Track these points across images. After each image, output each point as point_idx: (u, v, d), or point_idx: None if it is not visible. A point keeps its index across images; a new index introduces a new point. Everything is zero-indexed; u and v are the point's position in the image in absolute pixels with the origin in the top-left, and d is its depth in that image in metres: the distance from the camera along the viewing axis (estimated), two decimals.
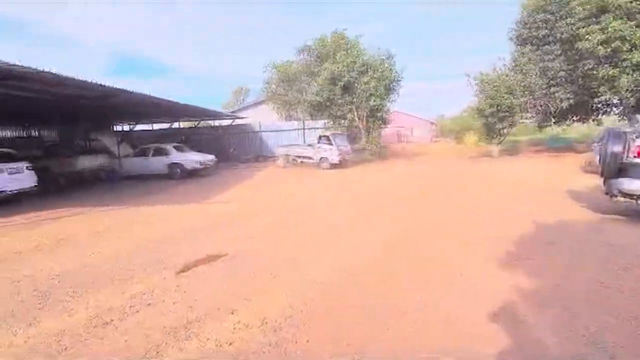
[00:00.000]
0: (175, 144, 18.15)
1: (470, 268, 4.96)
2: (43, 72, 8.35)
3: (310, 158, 19.91)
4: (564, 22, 18.84)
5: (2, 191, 10.43)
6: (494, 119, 20.85)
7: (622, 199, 7.13)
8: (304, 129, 24.48)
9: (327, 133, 20.16)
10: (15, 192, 10.82)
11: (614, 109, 21.64)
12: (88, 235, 7.54)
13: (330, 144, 19.11)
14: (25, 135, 21.91)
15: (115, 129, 24.47)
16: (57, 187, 14.04)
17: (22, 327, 3.72)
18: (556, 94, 20.02)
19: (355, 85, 21.55)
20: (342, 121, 22.21)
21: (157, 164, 17.09)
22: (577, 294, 4.12)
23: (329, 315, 3.80)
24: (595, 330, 3.36)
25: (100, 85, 10.29)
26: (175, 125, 26.32)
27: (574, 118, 23.40)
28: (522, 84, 20.07)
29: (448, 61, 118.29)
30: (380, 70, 21.74)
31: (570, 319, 3.57)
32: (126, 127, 24.59)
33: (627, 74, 17.30)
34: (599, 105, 21.28)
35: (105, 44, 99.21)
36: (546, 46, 19.97)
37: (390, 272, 4.95)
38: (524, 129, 30.33)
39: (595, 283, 4.36)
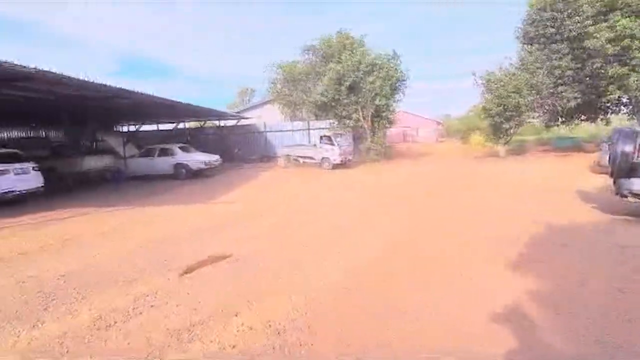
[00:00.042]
0: (180, 145, 18.20)
1: (479, 271, 4.89)
2: (48, 72, 8.37)
3: (312, 158, 19.90)
4: (571, 20, 18.65)
5: (9, 191, 10.48)
6: (500, 118, 20.67)
7: (632, 199, 7.02)
8: (308, 129, 24.42)
9: (329, 133, 20.16)
10: (21, 192, 10.87)
11: (623, 108, 21.41)
12: (93, 236, 7.54)
13: (332, 144, 19.08)
14: (32, 135, 22.07)
15: (121, 130, 24.56)
16: (63, 187, 14.11)
17: (26, 329, 3.70)
18: (564, 93, 19.83)
19: (361, 85, 21.46)
20: (348, 121, 22.12)
21: (163, 164, 17.13)
22: (589, 297, 4.04)
23: (333, 318, 3.74)
24: (609, 335, 3.27)
25: (103, 85, 10.29)
26: (181, 125, 26.35)
27: (582, 117, 23.17)
28: (529, 83, 19.87)
29: (448, 61, 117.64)
30: (385, 69, 21.64)
31: (583, 323, 3.49)
32: (132, 128, 24.70)
33: (637, 72, 17.11)
34: (608, 105, 21.06)
35: (107, 44, 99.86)
36: (553, 45, 19.77)
37: (395, 274, 4.89)
38: (531, 128, 30.08)
39: (608, 286, 4.27)
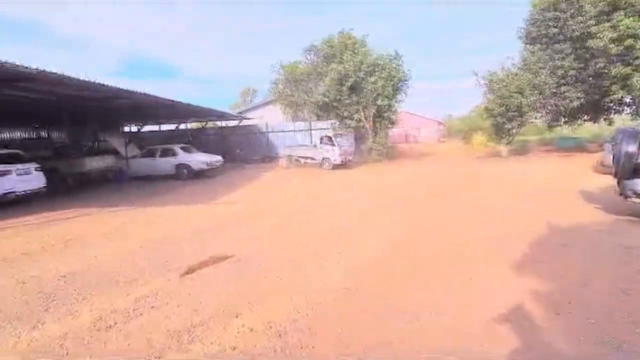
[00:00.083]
0: (182, 145, 18.20)
1: (481, 271, 4.86)
2: (49, 72, 8.38)
3: (312, 159, 19.94)
4: (574, 20, 18.57)
5: (11, 192, 10.50)
6: (502, 118, 20.59)
7: (636, 200, 6.96)
8: (310, 129, 24.40)
9: (329, 134, 20.17)
10: (24, 193, 10.89)
11: (626, 108, 21.30)
12: (95, 236, 7.54)
13: (332, 144, 19.10)
14: (34, 136, 22.14)
15: (123, 130, 24.61)
16: (65, 187, 14.13)
17: (26, 330, 3.69)
18: (566, 93, 19.76)
19: (363, 85, 21.44)
20: (349, 122, 22.10)
21: (164, 164, 17.14)
22: (592, 298, 4.00)
23: (334, 319, 3.72)
24: (611, 335, 3.24)
25: (102, 85, 10.27)
26: (183, 126, 26.39)
27: (585, 117, 23.07)
28: (531, 83, 19.80)
29: (448, 61, 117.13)
30: (388, 70, 21.61)
31: (584, 324, 3.45)
32: (134, 128, 24.72)
33: None
34: (611, 105, 20.96)
35: (108, 45, 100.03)
36: (556, 45, 19.70)
37: (395, 274, 4.87)
38: (533, 128, 29.98)
39: (611, 287, 4.23)
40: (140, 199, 12.23)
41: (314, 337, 3.41)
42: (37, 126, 22.25)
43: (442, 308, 3.88)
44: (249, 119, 27.42)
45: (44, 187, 11.65)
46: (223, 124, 27.13)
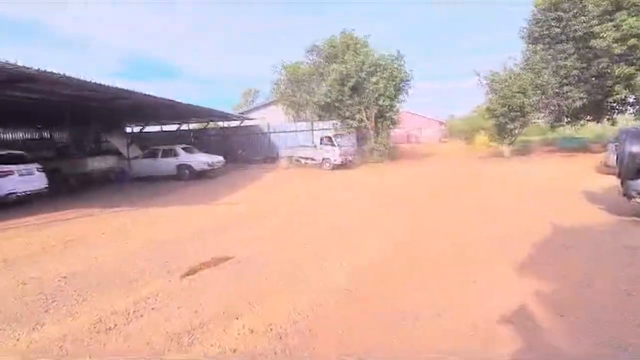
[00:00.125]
0: (183, 146, 18.21)
1: (483, 272, 4.82)
2: (50, 73, 8.40)
3: (312, 159, 19.97)
4: (577, 20, 18.50)
5: (13, 193, 10.52)
6: (505, 119, 20.53)
7: None
8: (312, 130, 24.37)
9: (329, 134, 20.19)
10: (25, 193, 10.90)
11: (630, 108, 21.21)
12: (96, 237, 7.54)
13: (333, 145, 19.11)
14: (37, 137, 22.20)
15: (125, 131, 24.66)
16: (67, 188, 14.15)
17: (26, 331, 3.67)
18: (569, 93, 19.69)
19: (364, 85, 21.40)
20: (351, 122, 22.07)
21: (166, 165, 17.15)
22: (596, 299, 3.95)
23: (335, 320, 3.69)
24: (614, 337, 3.20)
25: (101, 85, 10.28)
26: (184, 126, 26.42)
27: (588, 118, 22.98)
28: (534, 83, 19.73)
29: (448, 61, 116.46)
30: (390, 70, 21.57)
31: (587, 326, 3.41)
32: (136, 129, 24.77)
33: None
34: (614, 104, 20.87)
35: (109, 45, 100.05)
36: (559, 45, 19.62)
37: (396, 275, 4.83)
38: (536, 128, 29.86)
39: (615, 288, 4.18)
40: (142, 199, 12.24)
41: (315, 339, 3.38)
42: (40, 127, 22.31)
43: (443, 309, 3.85)
44: (250, 119, 27.42)
45: (46, 187, 11.68)
46: (225, 124, 27.14)
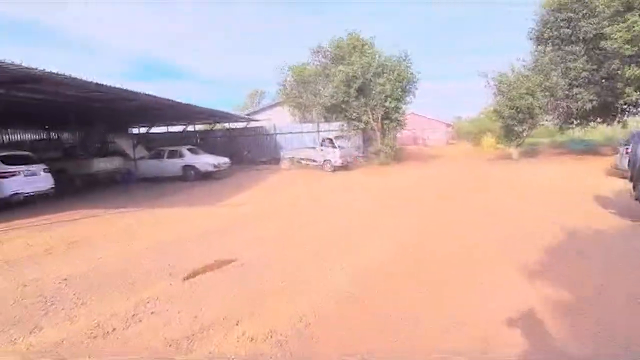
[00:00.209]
0: (189, 147, 18.22)
1: (490, 275, 4.71)
2: (55, 74, 8.41)
3: (314, 160, 19.98)
4: (587, 21, 18.25)
5: (19, 193, 10.54)
6: (513, 120, 20.30)
7: None
8: (318, 131, 24.28)
9: (330, 136, 20.23)
10: (31, 194, 10.93)
11: None
12: (100, 238, 7.51)
13: (334, 146, 19.09)
14: (44, 138, 22.34)
15: (131, 132, 24.75)
16: (73, 188, 14.20)
17: (24, 335, 3.61)
18: (578, 95, 19.40)
19: (370, 87, 21.28)
20: (357, 123, 21.96)
21: (172, 166, 17.16)
22: (606, 304, 3.83)
23: (338, 327, 3.59)
24: (627, 345, 3.07)
25: (100, 84, 10.23)
26: (190, 128, 26.46)
27: (598, 120, 22.65)
28: (542, 85, 19.48)
29: (448, 61, 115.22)
30: (396, 71, 21.43)
31: (598, 331, 3.29)
32: (142, 130, 24.84)
33: None
34: (624, 107, 20.53)
35: (114, 46, 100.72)
36: (568, 46, 19.36)
37: (401, 279, 4.72)
38: (544, 131, 29.54)
39: (626, 293, 4.04)
40: (147, 200, 12.22)
41: (316, 345, 3.28)
42: (46, 128, 22.45)
43: (449, 313, 3.77)
44: (256, 120, 27.42)
45: (52, 188, 11.70)
46: (231, 125, 27.15)
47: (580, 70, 18.91)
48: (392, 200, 10.60)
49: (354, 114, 21.85)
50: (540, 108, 19.87)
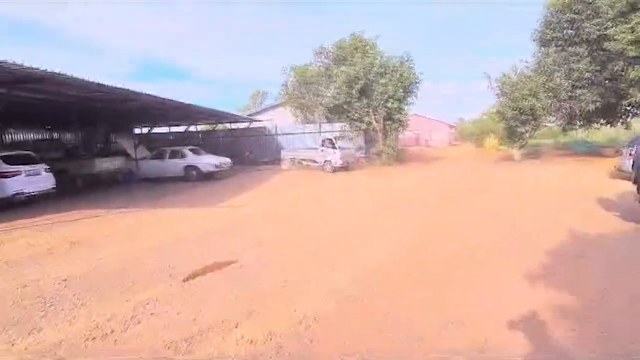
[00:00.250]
0: (191, 147, 18.23)
1: (494, 279, 4.67)
2: (57, 74, 8.42)
3: (314, 161, 20.00)
4: (590, 22, 18.16)
5: (20, 193, 10.56)
6: (515, 122, 20.23)
7: None
8: (320, 132, 24.27)
9: (331, 136, 20.21)
10: (32, 194, 10.94)
11: None
12: (101, 238, 7.50)
13: (334, 147, 19.07)
14: (47, 138, 22.41)
15: (133, 132, 24.80)
16: (75, 188, 14.23)
17: (22, 336, 3.59)
18: (582, 96, 19.31)
19: (373, 87, 21.24)
20: (359, 124, 21.92)
21: (174, 166, 17.16)
22: (609, 308, 3.78)
23: (339, 330, 3.55)
24: (630, 349, 3.04)
25: (101, 84, 10.25)
26: (192, 128, 26.48)
27: (601, 121, 22.55)
28: (546, 86, 19.40)
29: (448, 61, 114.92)
30: (399, 72, 21.38)
31: (601, 336, 3.25)
32: (144, 130, 24.88)
33: None
34: (628, 108, 20.44)
35: (116, 46, 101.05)
36: (571, 47, 19.27)
37: (404, 282, 4.68)
38: (548, 132, 29.44)
39: (629, 297, 4.00)
40: (149, 200, 12.22)
41: (316, 350, 3.25)
42: (49, 128, 22.52)
43: (450, 313, 3.76)
44: (258, 121, 27.42)
45: (54, 188, 11.71)
46: (233, 126, 27.17)
47: (584, 72, 18.82)
48: (394, 201, 10.57)
49: (356, 115, 21.81)
50: (543, 109, 19.80)
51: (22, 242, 7.32)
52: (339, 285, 4.63)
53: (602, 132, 27.06)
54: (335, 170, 18.85)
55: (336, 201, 11.31)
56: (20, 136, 21.24)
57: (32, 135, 21.90)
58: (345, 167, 19.30)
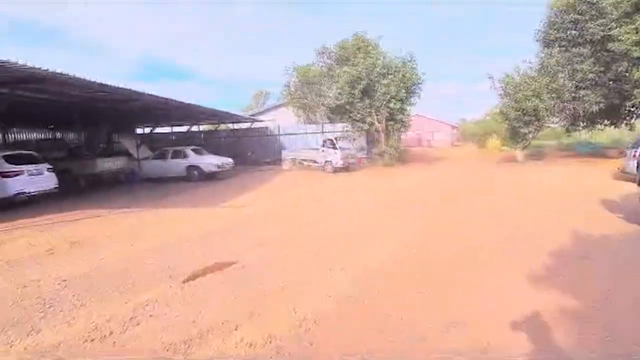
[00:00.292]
0: (193, 147, 18.24)
1: (496, 279, 4.63)
2: (59, 74, 8.42)
3: (315, 161, 20.01)
4: (594, 23, 18.06)
5: (23, 192, 10.57)
6: (518, 122, 20.14)
7: None
8: (322, 132, 24.25)
9: (331, 137, 20.22)
10: (34, 193, 10.96)
11: None
12: (103, 238, 7.50)
13: (335, 147, 19.05)
14: (50, 137, 22.47)
15: (135, 132, 24.84)
16: (77, 188, 14.24)
17: (20, 337, 3.57)
18: (585, 97, 19.20)
19: (375, 88, 21.19)
20: (362, 125, 21.88)
21: (176, 166, 17.18)
22: (612, 310, 3.74)
23: (340, 333, 3.52)
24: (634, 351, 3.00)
25: (103, 84, 10.24)
26: (195, 128, 26.52)
27: (605, 122, 22.43)
28: (549, 87, 19.31)
29: (449, 61, 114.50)
30: (402, 72, 21.32)
31: (604, 339, 3.20)
32: (146, 130, 24.91)
33: None
34: (632, 109, 20.31)
35: (118, 48, 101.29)
36: (575, 48, 19.18)
37: (406, 283, 4.64)
38: (551, 133, 29.33)
39: (636, 300, 3.95)
40: (151, 200, 12.22)
41: (316, 353, 3.23)
42: (52, 128, 22.59)
43: (451, 314, 3.74)
44: (260, 121, 27.43)
45: (56, 187, 11.73)
46: (235, 126, 27.19)
47: (587, 72, 18.72)
48: (395, 202, 10.54)
49: (358, 115, 21.75)
50: (546, 110, 19.70)
51: (23, 241, 7.32)
52: (339, 286, 4.61)
53: (605, 134, 26.92)
54: (336, 170, 18.83)
55: (337, 201, 11.30)
56: (23, 136, 21.30)
57: (35, 135, 21.96)
58: (346, 168, 19.27)
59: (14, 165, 10.51)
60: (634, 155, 11.62)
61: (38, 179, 11.11)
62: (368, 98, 21.35)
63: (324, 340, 3.38)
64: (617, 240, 6.18)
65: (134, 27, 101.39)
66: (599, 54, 18.52)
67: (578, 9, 18.83)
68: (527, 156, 21.84)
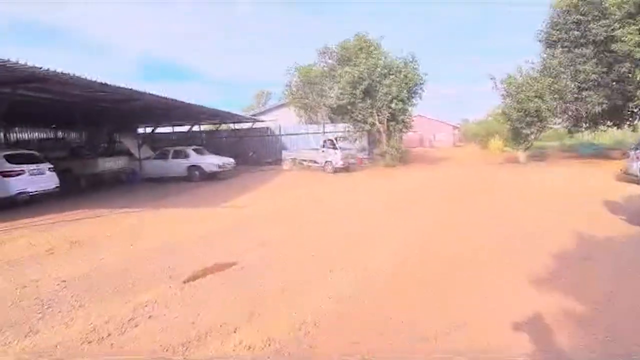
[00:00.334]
0: (194, 147, 18.23)
1: (497, 280, 4.61)
2: (62, 73, 8.42)
3: (315, 162, 20.02)
4: (597, 23, 18.00)
5: (24, 192, 10.57)
6: (520, 123, 20.08)
7: None
8: (324, 132, 24.24)
9: (332, 137, 20.22)
10: (35, 193, 10.95)
11: None
12: (103, 238, 7.48)
13: (335, 148, 19.05)
14: (52, 137, 22.50)
15: (137, 132, 24.84)
16: (78, 188, 14.25)
17: (18, 338, 3.55)
18: (588, 98, 19.13)
19: (377, 88, 21.15)
20: (363, 125, 21.85)
21: (177, 166, 17.17)
22: (615, 312, 3.70)
23: (339, 336, 3.49)
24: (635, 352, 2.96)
25: (104, 84, 10.22)
26: (196, 128, 26.51)
27: (608, 123, 22.34)
28: (551, 87, 19.24)
29: (449, 61, 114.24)
30: (403, 73, 21.28)
31: (606, 341, 3.18)
32: (147, 130, 24.91)
33: None
34: (635, 110, 20.23)
35: (119, 48, 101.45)
36: (578, 49, 19.11)
37: (406, 284, 4.61)
38: (553, 134, 29.25)
39: (635, 303, 3.91)
40: (152, 200, 12.21)
41: (316, 355, 3.20)
42: (54, 127, 22.62)
43: (452, 315, 3.73)
44: (262, 121, 27.42)
45: (57, 187, 11.72)
46: (236, 126, 27.18)
47: (590, 73, 18.65)
48: (396, 202, 10.50)
49: (360, 116, 21.72)
50: (549, 111, 19.62)
51: (24, 241, 7.31)
52: (340, 287, 4.59)
53: (608, 135, 26.85)
54: (336, 171, 18.82)
55: (337, 202, 11.27)
56: (24, 135, 21.34)
57: (36, 135, 21.99)
58: (346, 168, 19.26)
59: (15, 165, 10.50)
60: (637, 157, 11.56)
61: (39, 178, 11.10)
62: (370, 98, 21.32)
63: (323, 342, 3.35)
64: (620, 242, 6.13)
65: (134, 27, 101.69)
66: (602, 55, 18.45)
67: (581, 9, 18.77)
68: (529, 157, 21.77)
